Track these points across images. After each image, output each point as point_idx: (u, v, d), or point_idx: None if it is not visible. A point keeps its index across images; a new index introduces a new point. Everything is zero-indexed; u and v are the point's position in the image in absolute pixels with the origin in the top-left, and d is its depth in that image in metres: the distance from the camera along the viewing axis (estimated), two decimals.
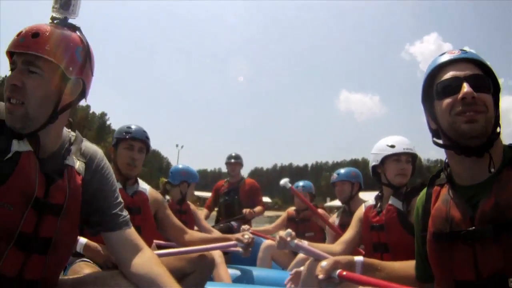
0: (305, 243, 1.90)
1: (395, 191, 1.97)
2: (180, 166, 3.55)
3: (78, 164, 1.13)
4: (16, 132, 1.02)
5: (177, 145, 45.67)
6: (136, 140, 2.16)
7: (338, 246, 2.05)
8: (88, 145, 1.20)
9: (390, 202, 1.95)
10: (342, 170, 3.26)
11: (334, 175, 3.26)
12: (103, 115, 64.00)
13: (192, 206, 3.33)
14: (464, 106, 0.98)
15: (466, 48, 1.09)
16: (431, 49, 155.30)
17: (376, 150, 2.05)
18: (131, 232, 1.18)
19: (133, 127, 2.21)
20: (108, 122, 64.29)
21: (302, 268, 1.75)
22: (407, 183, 2.00)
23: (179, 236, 2.13)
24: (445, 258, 1.04)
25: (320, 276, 1.20)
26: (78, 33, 1.10)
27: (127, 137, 2.15)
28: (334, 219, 3.23)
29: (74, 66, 1.06)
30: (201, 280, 1.88)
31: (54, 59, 1.01)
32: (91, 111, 58.18)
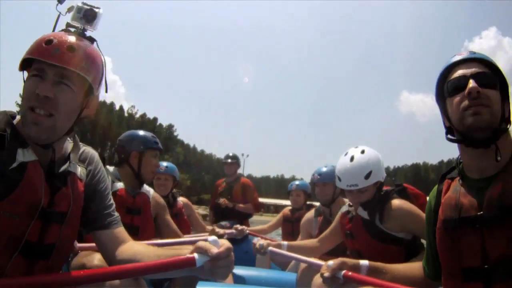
0: (284, 243, 2.12)
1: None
2: (165, 164, 3.21)
3: (80, 170, 1.15)
4: (37, 142, 1.01)
5: (242, 154, 49.11)
6: (160, 150, 2.31)
7: (316, 243, 2.19)
8: (86, 149, 1.22)
9: (358, 211, 1.96)
10: (324, 169, 2.90)
11: (316, 176, 2.90)
12: (170, 126, 67.86)
13: (189, 207, 3.32)
14: (470, 100, 1.05)
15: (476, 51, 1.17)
16: (491, 44, 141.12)
17: (335, 171, 2.01)
18: (121, 230, 1.20)
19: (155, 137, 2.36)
20: (175, 133, 68.10)
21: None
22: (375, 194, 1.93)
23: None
24: (453, 244, 1.08)
25: (326, 274, 1.22)
26: (95, 46, 1.11)
27: (155, 147, 2.26)
28: (309, 217, 3.09)
29: (98, 83, 1.10)
30: (193, 280, 1.89)
31: (87, 76, 1.04)
32: (158, 123, 62.22)
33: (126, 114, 57.17)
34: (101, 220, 1.17)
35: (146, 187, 2.28)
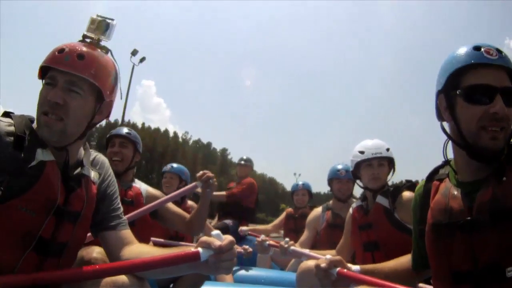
0: (305, 250, 2.13)
1: (374, 193, 2.03)
2: (174, 165, 3.42)
3: (93, 174, 1.22)
4: (50, 144, 1.08)
5: (294, 174, 49.36)
6: (116, 136, 2.28)
7: (335, 253, 2.15)
8: (98, 155, 1.29)
9: (377, 200, 2.00)
10: (340, 166, 3.01)
11: (343, 171, 2.97)
12: (224, 151, 69.69)
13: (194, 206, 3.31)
14: (492, 121, 0.98)
15: (502, 50, 1.02)
16: None
17: (351, 156, 2.12)
18: (128, 232, 1.24)
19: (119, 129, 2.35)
20: (229, 157, 69.67)
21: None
22: (386, 184, 2.06)
23: (180, 223, 2.08)
24: (443, 249, 1.06)
25: (322, 265, 1.23)
26: (110, 55, 1.18)
27: (108, 136, 2.33)
28: (316, 214, 3.10)
29: (109, 90, 1.15)
30: (200, 278, 1.92)
31: (97, 83, 1.10)
32: (212, 148, 64.22)
33: (180, 140, 59.84)
34: (109, 222, 1.22)
35: (137, 182, 2.30)
